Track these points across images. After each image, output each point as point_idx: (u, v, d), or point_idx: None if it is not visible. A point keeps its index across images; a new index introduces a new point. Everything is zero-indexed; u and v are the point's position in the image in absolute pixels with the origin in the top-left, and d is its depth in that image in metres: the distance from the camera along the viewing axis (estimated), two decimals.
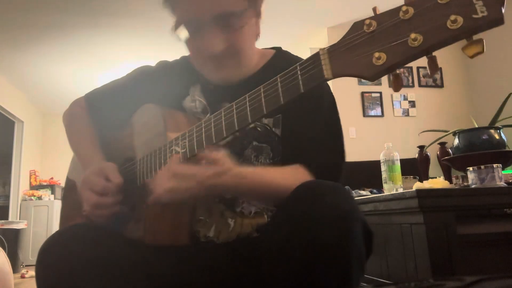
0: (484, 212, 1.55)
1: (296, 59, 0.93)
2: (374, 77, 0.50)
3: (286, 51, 0.99)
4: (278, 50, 0.99)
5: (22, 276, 4.24)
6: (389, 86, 4.36)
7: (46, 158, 6.76)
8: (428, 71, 0.47)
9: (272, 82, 0.63)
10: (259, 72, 0.93)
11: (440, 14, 0.44)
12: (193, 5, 0.81)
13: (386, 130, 4.26)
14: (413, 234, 1.54)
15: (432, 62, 0.47)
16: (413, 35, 0.45)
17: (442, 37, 0.44)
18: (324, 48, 0.55)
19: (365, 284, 1.81)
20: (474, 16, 0.42)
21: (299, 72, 0.58)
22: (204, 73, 0.92)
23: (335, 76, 0.54)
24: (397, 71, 0.49)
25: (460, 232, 1.47)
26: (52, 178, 6.49)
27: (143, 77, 1.03)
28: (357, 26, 0.52)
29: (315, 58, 0.57)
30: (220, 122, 0.71)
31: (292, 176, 0.80)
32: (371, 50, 0.49)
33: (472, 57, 0.44)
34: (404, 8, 0.47)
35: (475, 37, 0.44)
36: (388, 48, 0.48)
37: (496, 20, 0.41)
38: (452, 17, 0.42)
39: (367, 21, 0.49)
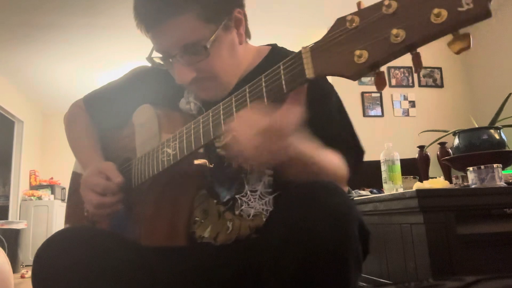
0: (484, 212, 1.55)
1: (291, 54, 0.92)
2: (355, 76, 0.47)
3: (282, 47, 0.97)
4: (273, 47, 0.98)
5: (22, 276, 4.24)
6: (389, 86, 4.34)
7: (46, 158, 6.77)
8: (413, 68, 0.44)
9: (256, 81, 0.62)
10: (253, 71, 0.92)
11: (423, 7, 0.41)
12: (159, 39, 0.82)
13: (386, 130, 4.24)
14: (413, 234, 1.54)
15: (416, 59, 0.44)
16: (395, 31, 0.42)
17: (425, 32, 0.41)
18: (307, 46, 0.53)
19: (364, 284, 1.81)
20: (459, 9, 0.39)
21: (282, 71, 0.57)
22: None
23: (317, 75, 0.51)
24: (381, 69, 0.46)
25: (460, 232, 1.47)
26: (52, 178, 6.49)
27: (139, 77, 1.03)
28: (340, 22, 0.49)
29: (297, 57, 0.55)
30: (207, 123, 0.70)
31: (335, 161, 0.76)
32: (352, 48, 0.47)
33: (457, 53, 0.41)
34: (386, 2, 0.44)
35: (461, 31, 0.41)
36: (370, 45, 0.45)
37: (482, 13, 0.38)
38: (436, 11, 0.40)
39: (349, 17, 0.47)
